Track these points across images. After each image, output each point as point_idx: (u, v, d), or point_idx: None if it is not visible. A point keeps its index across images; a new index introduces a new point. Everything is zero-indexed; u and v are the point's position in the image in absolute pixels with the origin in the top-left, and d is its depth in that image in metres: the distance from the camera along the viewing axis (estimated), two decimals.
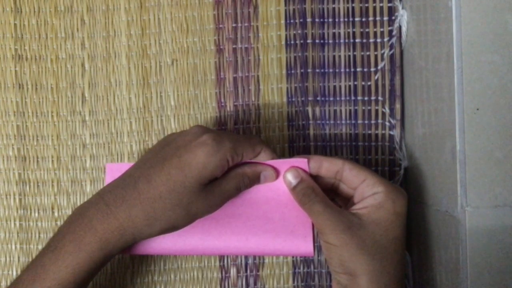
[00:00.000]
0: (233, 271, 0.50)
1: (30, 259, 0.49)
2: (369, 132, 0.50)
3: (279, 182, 0.44)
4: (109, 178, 0.46)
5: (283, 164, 0.44)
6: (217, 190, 0.39)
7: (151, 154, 0.40)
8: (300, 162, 0.43)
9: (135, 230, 0.37)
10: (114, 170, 0.46)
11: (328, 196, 0.42)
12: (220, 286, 0.50)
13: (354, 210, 0.40)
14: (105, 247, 0.37)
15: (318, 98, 0.50)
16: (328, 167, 0.42)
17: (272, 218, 0.45)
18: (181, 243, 0.45)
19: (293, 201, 0.44)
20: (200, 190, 0.38)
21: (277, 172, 0.44)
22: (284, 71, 0.50)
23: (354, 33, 0.50)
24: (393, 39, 0.49)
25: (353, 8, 0.50)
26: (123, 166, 0.44)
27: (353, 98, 0.50)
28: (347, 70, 0.50)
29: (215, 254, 0.49)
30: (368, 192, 0.40)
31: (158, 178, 0.37)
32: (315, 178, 0.43)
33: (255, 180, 0.43)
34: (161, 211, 0.37)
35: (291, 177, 0.42)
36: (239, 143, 0.39)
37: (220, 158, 0.38)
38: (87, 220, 0.37)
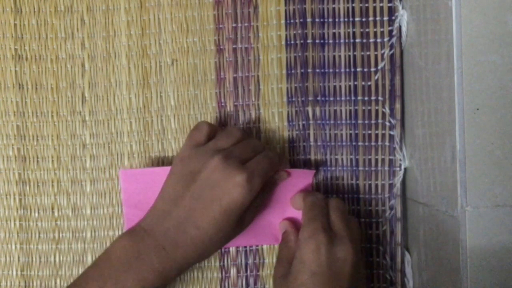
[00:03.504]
0: (233, 271, 0.50)
1: (30, 259, 0.50)
2: (369, 132, 0.50)
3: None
4: (125, 185, 0.48)
5: (292, 172, 0.48)
6: (250, 213, 0.44)
7: (182, 189, 0.42)
8: (307, 173, 0.48)
9: (189, 266, 0.42)
10: (130, 176, 0.48)
11: None
12: (220, 286, 0.50)
13: None
14: (165, 282, 0.41)
15: (318, 98, 0.50)
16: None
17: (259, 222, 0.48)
18: None
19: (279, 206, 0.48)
20: (243, 216, 0.42)
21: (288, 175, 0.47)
22: (284, 71, 0.50)
23: (354, 33, 0.50)
24: (393, 39, 0.49)
25: (353, 8, 0.50)
26: (137, 173, 0.47)
27: (353, 98, 0.50)
28: (347, 70, 0.50)
29: None
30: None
31: (205, 224, 0.41)
32: None
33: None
34: (211, 247, 0.42)
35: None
36: (266, 173, 0.43)
37: (253, 195, 0.42)
38: (149, 263, 0.40)
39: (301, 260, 0.41)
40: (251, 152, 0.43)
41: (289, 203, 0.48)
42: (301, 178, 0.48)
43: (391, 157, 0.49)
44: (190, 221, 0.41)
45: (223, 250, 0.50)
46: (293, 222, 0.48)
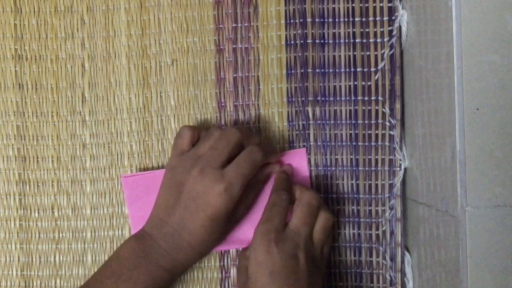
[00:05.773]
0: (233, 271, 0.50)
1: (30, 259, 0.50)
2: (369, 132, 0.50)
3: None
4: (128, 192, 0.49)
5: (285, 155, 0.50)
6: (241, 209, 0.46)
7: (173, 200, 0.45)
8: (299, 152, 0.50)
9: (194, 263, 0.46)
10: (131, 183, 0.49)
11: None
12: (220, 286, 0.50)
13: None
14: (173, 278, 0.45)
15: (318, 98, 0.50)
16: None
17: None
18: None
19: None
20: (230, 216, 0.44)
21: (280, 164, 0.49)
22: (284, 71, 0.50)
23: (354, 33, 0.50)
24: (393, 39, 0.49)
25: (353, 8, 0.50)
26: (138, 178, 0.48)
27: (353, 98, 0.50)
28: (347, 70, 0.50)
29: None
30: None
31: (197, 231, 0.43)
32: None
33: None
34: (210, 246, 0.45)
35: None
36: (248, 175, 0.44)
37: (235, 199, 0.44)
38: (156, 261, 0.43)
39: (256, 262, 0.42)
40: (230, 151, 0.44)
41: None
42: (295, 161, 0.49)
43: (391, 157, 0.49)
44: (183, 228, 0.43)
45: (223, 250, 0.50)
46: None
